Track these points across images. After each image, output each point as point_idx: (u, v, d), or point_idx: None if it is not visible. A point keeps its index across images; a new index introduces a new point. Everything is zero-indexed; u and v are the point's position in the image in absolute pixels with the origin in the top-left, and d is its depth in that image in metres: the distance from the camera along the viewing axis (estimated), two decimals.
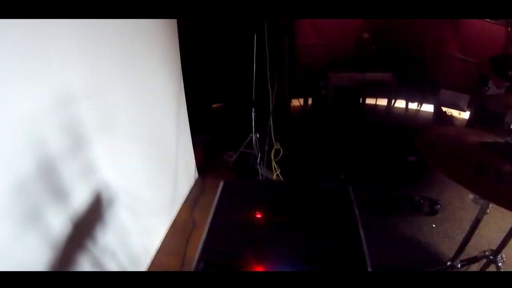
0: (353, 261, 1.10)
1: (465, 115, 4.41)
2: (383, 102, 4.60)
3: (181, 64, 2.67)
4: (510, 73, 3.11)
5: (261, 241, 1.19)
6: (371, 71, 4.04)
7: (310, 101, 4.70)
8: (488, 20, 3.91)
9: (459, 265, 1.93)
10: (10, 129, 1.13)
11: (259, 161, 3.18)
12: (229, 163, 3.48)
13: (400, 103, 4.60)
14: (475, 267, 1.97)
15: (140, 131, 2.11)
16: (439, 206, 2.79)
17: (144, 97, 2.13)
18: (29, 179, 1.23)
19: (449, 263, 1.95)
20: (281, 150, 3.46)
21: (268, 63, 2.94)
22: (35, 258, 1.29)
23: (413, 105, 4.58)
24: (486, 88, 3.41)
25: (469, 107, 4.27)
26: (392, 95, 4.38)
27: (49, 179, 1.33)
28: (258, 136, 3.24)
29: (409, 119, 4.54)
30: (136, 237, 2.09)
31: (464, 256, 1.95)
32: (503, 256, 1.86)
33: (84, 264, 1.58)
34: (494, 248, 1.88)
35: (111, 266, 1.82)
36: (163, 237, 2.52)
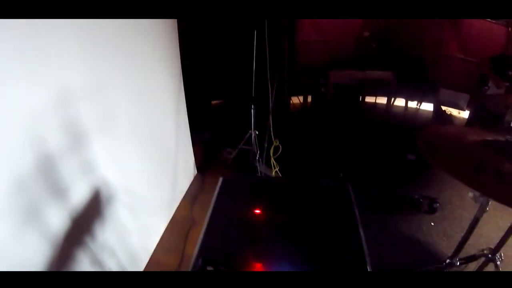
0: (353, 259, 1.10)
1: (465, 114, 4.42)
2: (382, 100, 4.60)
3: (181, 61, 2.67)
4: (510, 73, 3.11)
5: (260, 238, 1.18)
6: (371, 70, 4.04)
7: (310, 98, 4.69)
8: (489, 20, 3.91)
9: (458, 263, 1.93)
10: (10, 127, 1.13)
11: (258, 158, 3.18)
12: (228, 160, 3.48)
13: (399, 102, 4.60)
14: (473, 266, 1.98)
15: (139, 129, 2.10)
16: (438, 205, 2.80)
17: (143, 95, 2.13)
18: (28, 177, 1.22)
19: (448, 261, 1.95)
20: (280, 147, 3.46)
21: (268, 61, 2.93)
22: (34, 255, 1.29)
23: (412, 104, 4.58)
24: (486, 87, 3.41)
25: (469, 106, 4.28)
26: (391, 94, 4.38)
27: (49, 178, 1.33)
28: (257, 133, 3.24)
29: (408, 118, 4.54)
30: (135, 234, 2.09)
31: (463, 254, 1.95)
32: (502, 254, 1.86)
33: (83, 262, 1.58)
34: (492, 247, 1.88)
35: (110, 263, 1.81)
36: (162, 234, 2.52)
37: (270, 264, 1.07)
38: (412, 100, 4.54)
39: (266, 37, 2.81)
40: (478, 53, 3.98)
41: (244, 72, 3.03)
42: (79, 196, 1.54)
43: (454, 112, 4.53)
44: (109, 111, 1.73)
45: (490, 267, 1.88)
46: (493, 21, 3.90)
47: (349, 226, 1.23)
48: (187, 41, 2.88)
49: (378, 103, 4.77)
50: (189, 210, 2.81)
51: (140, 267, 2.20)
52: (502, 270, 1.86)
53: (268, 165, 3.31)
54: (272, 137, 3.33)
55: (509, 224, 1.77)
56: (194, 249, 1.11)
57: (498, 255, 1.86)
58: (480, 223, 1.77)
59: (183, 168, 2.97)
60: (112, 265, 1.83)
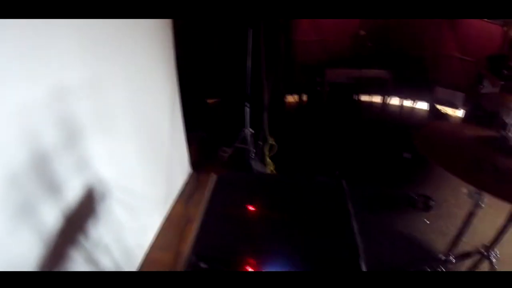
0: (347, 255, 1.09)
1: (460, 113, 4.43)
2: (378, 99, 4.60)
3: (176, 60, 2.66)
4: (505, 72, 3.12)
5: (253, 235, 1.18)
6: (367, 68, 4.05)
7: (305, 97, 4.70)
8: (485, 19, 3.93)
9: (453, 260, 1.94)
10: (4, 123, 1.12)
11: (253, 156, 3.17)
12: (223, 159, 3.46)
13: (395, 101, 4.61)
14: (469, 263, 1.98)
15: (134, 127, 2.09)
16: (433, 203, 2.81)
17: (138, 94, 2.12)
18: (22, 173, 1.21)
19: (443, 257, 1.96)
20: (276, 145, 3.46)
21: (263, 59, 2.93)
22: (28, 252, 1.28)
23: (408, 103, 4.59)
24: (481, 86, 3.42)
25: (464, 105, 4.29)
26: (387, 93, 4.39)
27: (44, 174, 1.32)
28: (252, 131, 3.23)
29: (404, 116, 4.55)
30: (130, 232, 2.08)
31: (458, 252, 1.96)
32: (497, 252, 1.87)
33: (78, 259, 1.56)
34: (487, 244, 1.89)
35: (105, 261, 1.80)
36: (157, 232, 2.51)
37: (264, 260, 1.07)
38: (408, 98, 4.56)
39: (262, 35, 2.80)
40: (474, 52, 4.00)
41: (240, 70, 3.02)
42: (74, 193, 1.52)
43: (449, 111, 4.54)
44: (104, 110, 1.73)
45: (485, 264, 1.89)
46: (490, 21, 3.92)
47: (343, 222, 1.22)
48: (182, 39, 2.87)
49: (374, 102, 4.78)
50: (184, 208, 2.80)
51: (135, 265, 2.19)
52: (497, 267, 1.86)
53: (264, 163, 3.30)
54: (267, 135, 3.32)
55: (503, 222, 1.78)
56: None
57: (493, 252, 1.86)
58: (475, 221, 1.78)
59: (178, 166, 2.96)
60: (107, 263, 1.82)
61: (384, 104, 4.46)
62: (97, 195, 1.70)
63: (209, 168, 3.35)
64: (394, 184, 3.20)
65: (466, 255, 1.97)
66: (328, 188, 1.40)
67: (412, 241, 2.50)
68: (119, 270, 1.93)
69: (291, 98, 4.79)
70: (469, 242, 2.15)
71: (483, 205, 1.68)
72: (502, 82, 3.11)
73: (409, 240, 2.51)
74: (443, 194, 2.99)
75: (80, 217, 1.59)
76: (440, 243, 2.44)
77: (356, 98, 4.60)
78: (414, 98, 4.53)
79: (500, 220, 1.82)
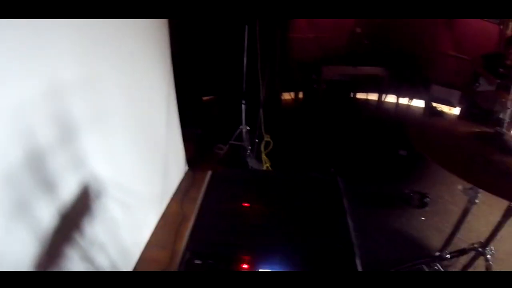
0: (341, 249, 1.09)
1: (456, 111, 4.44)
2: (374, 96, 4.61)
3: (172, 57, 2.65)
4: (501, 70, 3.13)
5: (247, 231, 1.18)
6: (363, 66, 4.05)
7: (301, 94, 4.69)
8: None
9: (448, 256, 1.95)
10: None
11: (249, 153, 3.16)
12: (219, 156, 3.46)
13: (391, 98, 4.61)
14: (464, 259, 1.99)
15: (130, 125, 2.09)
16: (428, 199, 2.82)
17: (134, 91, 2.11)
18: (18, 171, 1.20)
19: (438, 253, 1.97)
20: (272, 142, 3.45)
21: (259, 56, 2.92)
22: (22, 250, 1.27)
23: (404, 100, 4.60)
24: (477, 84, 3.43)
25: (460, 103, 4.29)
26: (383, 90, 4.39)
27: (38, 172, 1.31)
28: (248, 128, 3.22)
29: (400, 113, 4.56)
30: (126, 230, 2.07)
31: (453, 248, 1.97)
32: (492, 248, 1.88)
33: (73, 257, 1.56)
34: (483, 241, 1.89)
35: (101, 259, 1.80)
36: (153, 230, 2.50)
37: (258, 256, 1.07)
38: (404, 96, 4.56)
39: (258, 32, 2.79)
40: (471, 50, 4.00)
41: (236, 67, 3.01)
42: (69, 191, 1.52)
43: (445, 108, 4.55)
44: (100, 107, 1.72)
45: (481, 261, 1.89)
46: (486, 20, 3.92)
47: (339, 219, 1.23)
48: (178, 37, 2.85)
49: (370, 99, 4.78)
50: (180, 205, 2.79)
51: (131, 263, 2.18)
52: (493, 264, 1.87)
53: (259, 160, 3.30)
54: (264, 133, 3.31)
55: (499, 219, 1.79)
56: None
57: (488, 249, 1.87)
58: (471, 218, 1.79)
59: (174, 164, 2.95)
60: (102, 261, 1.81)
61: (380, 102, 4.47)
62: (92, 193, 1.69)
63: (205, 165, 3.34)
64: (390, 181, 3.20)
65: (461, 252, 1.98)
66: (324, 185, 1.40)
67: (408, 238, 2.51)
68: (115, 269, 1.93)
69: (287, 95, 4.78)
70: (464, 239, 2.16)
71: (477, 201, 1.69)
72: (498, 80, 3.11)
73: (404, 237, 2.52)
74: (438, 191, 3.00)
75: (76, 215, 1.58)
76: (435, 240, 2.45)
77: (352, 96, 4.60)
78: (410, 95, 4.54)
79: (495, 217, 1.83)
